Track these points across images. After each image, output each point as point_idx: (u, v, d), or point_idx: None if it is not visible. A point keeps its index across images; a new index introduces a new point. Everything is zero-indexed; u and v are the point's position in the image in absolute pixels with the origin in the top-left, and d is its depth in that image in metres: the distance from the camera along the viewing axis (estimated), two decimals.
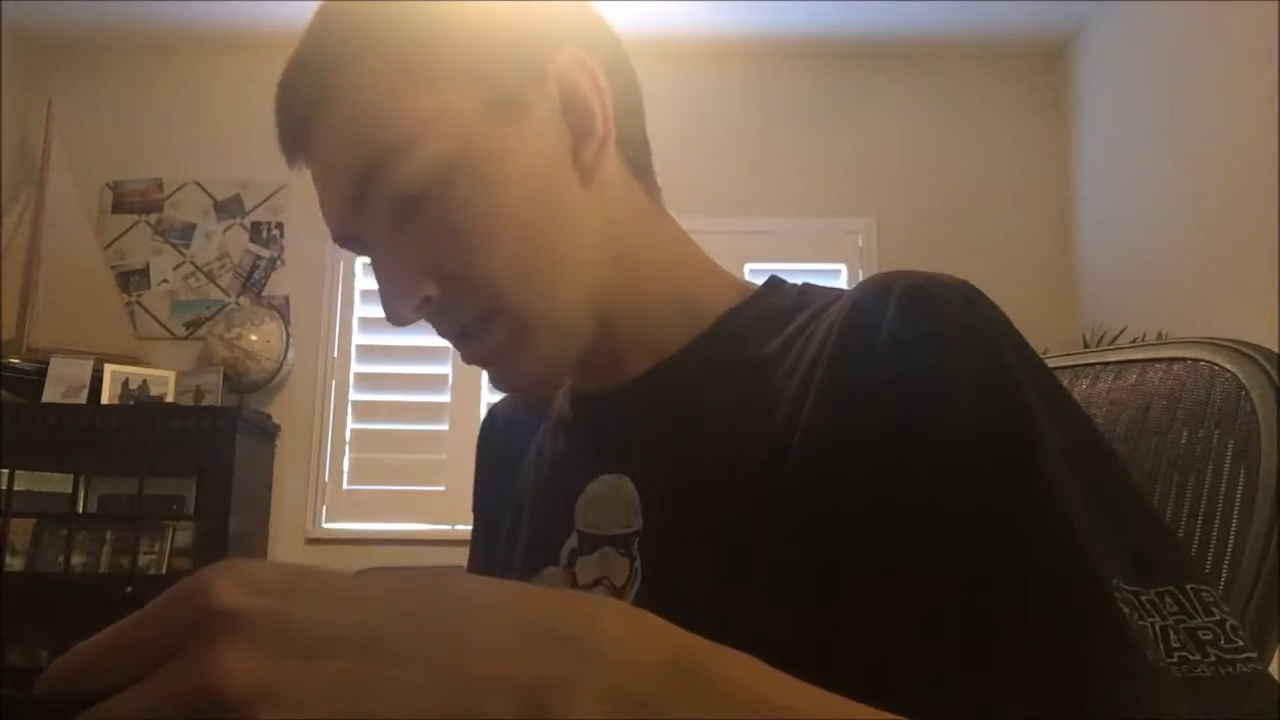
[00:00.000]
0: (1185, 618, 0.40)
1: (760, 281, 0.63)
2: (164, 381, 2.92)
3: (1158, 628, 0.39)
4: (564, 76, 0.55)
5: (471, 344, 0.57)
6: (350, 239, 0.57)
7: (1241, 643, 0.40)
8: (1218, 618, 0.41)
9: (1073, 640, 0.38)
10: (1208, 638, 0.40)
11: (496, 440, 0.76)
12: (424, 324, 0.58)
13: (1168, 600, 0.40)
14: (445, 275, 0.54)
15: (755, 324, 0.58)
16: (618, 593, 0.55)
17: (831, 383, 0.48)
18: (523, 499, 0.68)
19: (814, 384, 0.49)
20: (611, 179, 0.58)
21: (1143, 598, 0.40)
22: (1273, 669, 0.53)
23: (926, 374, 0.45)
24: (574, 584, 0.58)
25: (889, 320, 0.46)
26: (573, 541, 0.60)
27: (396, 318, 0.55)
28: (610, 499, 0.58)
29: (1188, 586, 0.41)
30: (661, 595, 0.53)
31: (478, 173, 0.53)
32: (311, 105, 0.54)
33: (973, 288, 0.48)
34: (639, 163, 0.62)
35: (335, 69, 0.53)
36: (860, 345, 0.47)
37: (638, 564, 0.55)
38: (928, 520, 0.42)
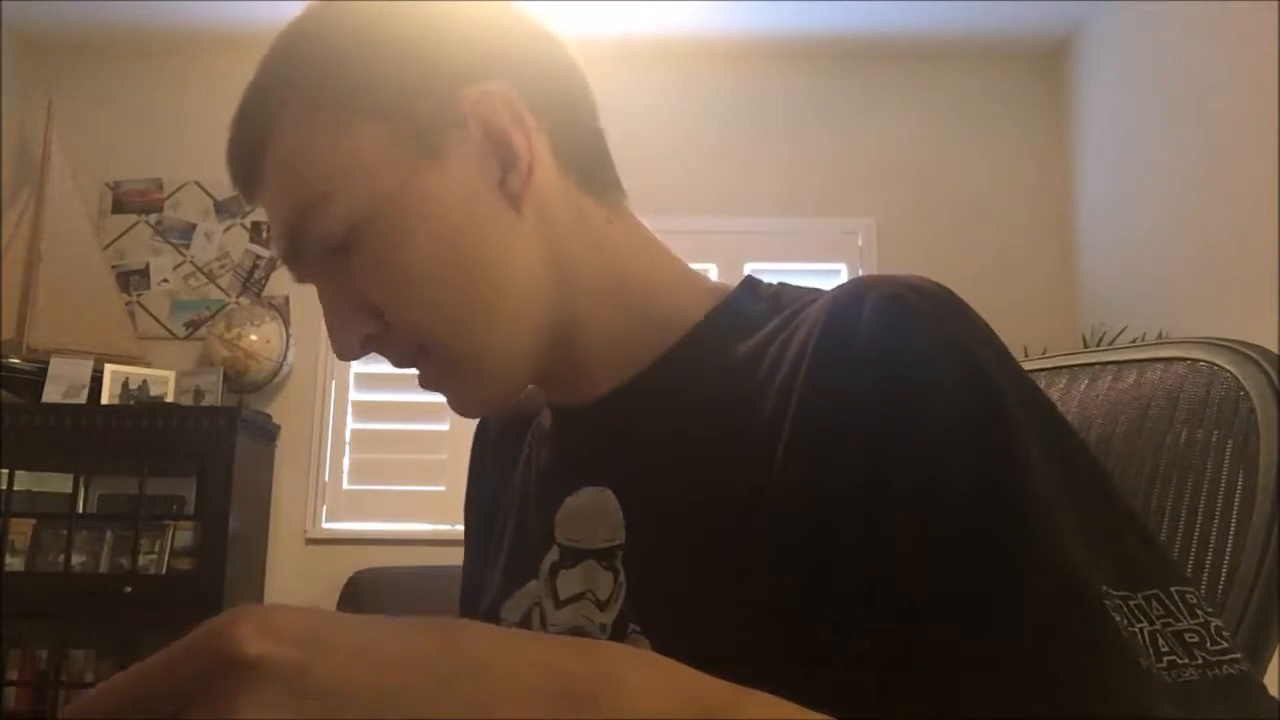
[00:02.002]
0: (1171, 620, 0.40)
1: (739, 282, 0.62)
2: (164, 381, 2.92)
3: (1146, 633, 0.40)
4: (480, 112, 0.55)
5: (417, 373, 0.59)
6: (299, 274, 0.60)
7: (1226, 644, 0.41)
8: (1202, 619, 0.41)
9: (1070, 650, 0.38)
10: (1194, 640, 0.40)
11: (487, 446, 0.76)
12: None
13: (1154, 604, 0.41)
14: (378, 314, 0.56)
15: (728, 331, 0.57)
16: (602, 606, 0.55)
17: (810, 395, 0.48)
18: (511, 507, 0.68)
19: (792, 395, 0.49)
20: (553, 202, 0.57)
21: (1130, 603, 0.40)
22: (1274, 668, 0.54)
23: (905, 386, 0.44)
24: (554, 597, 0.58)
25: (865, 330, 0.46)
26: (553, 555, 0.59)
27: (342, 354, 0.58)
28: (592, 512, 0.57)
29: (1172, 589, 0.41)
30: (648, 609, 0.53)
31: (395, 218, 0.54)
32: (252, 154, 0.57)
33: (949, 293, 0.48)
34: (592, 177, 0.60)
35: (265, 119, 0.56)
36: (837, 356, 0.47)
37: (622, 577, 0.54)
38: (913, 535, 0.42)
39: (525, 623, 0.60)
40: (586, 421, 0.61)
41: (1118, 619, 0.39)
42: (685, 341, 0.58)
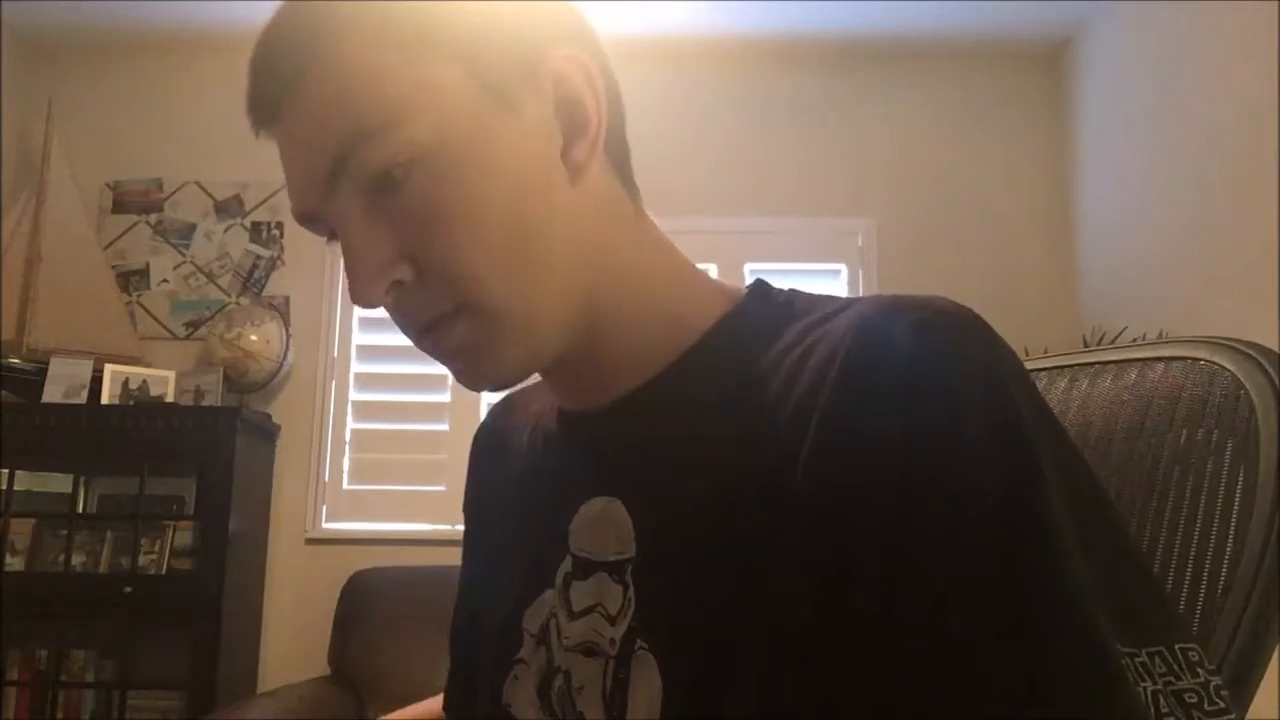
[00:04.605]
0: (1173, 679, 0.41)
1: (748, 284, 0.62)
2: (164, 381, 2.92)
3: (1149, 692, 0.40)
4: (560, 75, 0.54)
5: (434, 337, 0.54)
6: (314, 217, 0.54)
7: (1223, 704, 0.41)
8: (1202, 679, 0.41)
9: (1091, 712, 0.38)
10: (1192, 700, 0.40)
11: (487, 447, 0.75)
12: None
13: (1157, 661, 0.41)
14: (422, 261, 0.52)
15: (743, 338, 0.56)
16: (611, 620, 0.54)
17: (835, 421, 0.46)
18: (516, 509, 0.67)
19: (815, 419, 0.47)
20: (600, 182, 0.57)
21: (1136, 660, 0.40)
22: (1272, 668, 0.54)
23: (936, 421, 0.43)
24: (568, 608, 0.57)
25: (895, 359, 0.45)
26: (567, 565, 0.58)
27: (364, 300, 0.52)
28: (602, 522, 0.56)
29: (1176, 647, 0.42)
30: (657, 624, 0.52)
31: (465, 158, 0.51)
32: (290, 73, 0.51)
33: (977, 318, 0.47)
34: (623, 167, 0.60)
35: (319, 34, 0.51)
36: (865, 384, 0.46)
37: (631, 591, 0.53)
38: (936, 577, 0.42)
39: (544, 633, 0.59)
40: (598, 428, 0.60)
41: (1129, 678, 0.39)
42: (699, 347, 0.57)
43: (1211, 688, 0.41)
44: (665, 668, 0.50)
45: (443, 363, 0.56)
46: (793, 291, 0.59)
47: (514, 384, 0.58)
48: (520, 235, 0.52)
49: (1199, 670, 0.41)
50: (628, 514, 0.55)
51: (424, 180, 0.50)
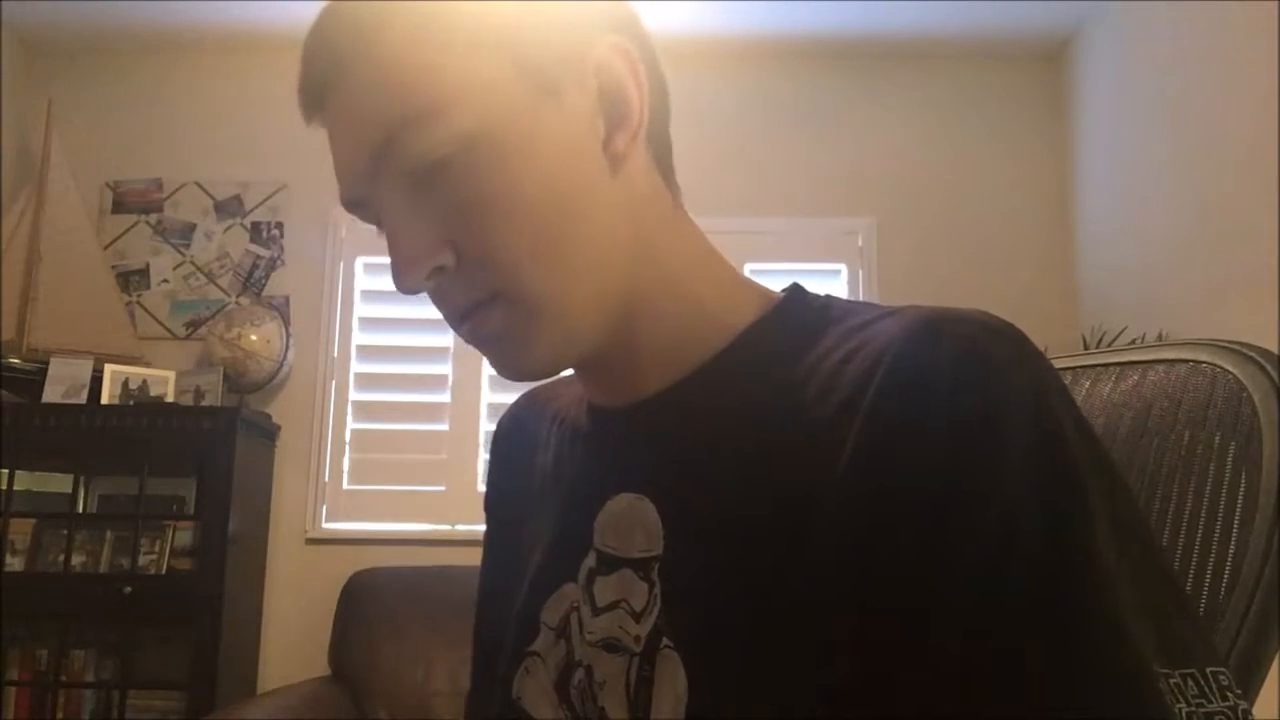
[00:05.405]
0: (1204, 702, 0.41)
1: (775, 286, 0.61)
2: (164, 381, 2.92)
3: (1184, 714, 0.40)
4: (604, 64, 0.54)
5: (471, 324, 0.55)
6: (361, 204, 0.55)
7: None
8: (1232, 702, 0.41)
9: None
10: None
11: (510, 443, 0.75)
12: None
13: (1190, 683, 0.41)
14: (462, 247, 0.52)
15: (781, 341, 0.55)
16: (637, 617, 0.53)
17: (881, 426, 0.46)
18: (540, 504, 0.67)
19: (858, 422, 0.47)
20: (640, 174, 0.57)
21: (1171, 681, 0.40)
22: (1273, 673, 0.54)
23: (981, 431, 0.43)
24: (592, 603, 0.57)
25: (943, 368, 0.45)
26: (590, 560, 0.58)
27: (406, 286, 0.53)
28: (629, 519, 0.56)
29: (1208, 670, 0.42)
30: (683, 624, 0.52)
31: (505, 147, 0.51)
32: (338, 59, 0.52)
33: (1021, 334, 0.47)
34: (665, 163, 0.60)
35: (367, 24, 0.52)
36: (914, 392, 0.46)
37: (658, 589, 0.53)
38: (969, 587, 0.42)
39: (564, 626, 0.59)
40: (629, 425, 0.60)
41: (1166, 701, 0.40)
42: (734, 347, 0.57)
43: (1240, 711, 0.41)
44: (690, 667, 0.50)
45: (480, 350, 0.57)
46: (829, 297, 0.59)
47: (549, 375, 0.58)
48: (558, 225, 0.52)
49: (1229, 694, 0.41)
50: (656, 512, 0.55)
51: (465, 168, 0.51)
